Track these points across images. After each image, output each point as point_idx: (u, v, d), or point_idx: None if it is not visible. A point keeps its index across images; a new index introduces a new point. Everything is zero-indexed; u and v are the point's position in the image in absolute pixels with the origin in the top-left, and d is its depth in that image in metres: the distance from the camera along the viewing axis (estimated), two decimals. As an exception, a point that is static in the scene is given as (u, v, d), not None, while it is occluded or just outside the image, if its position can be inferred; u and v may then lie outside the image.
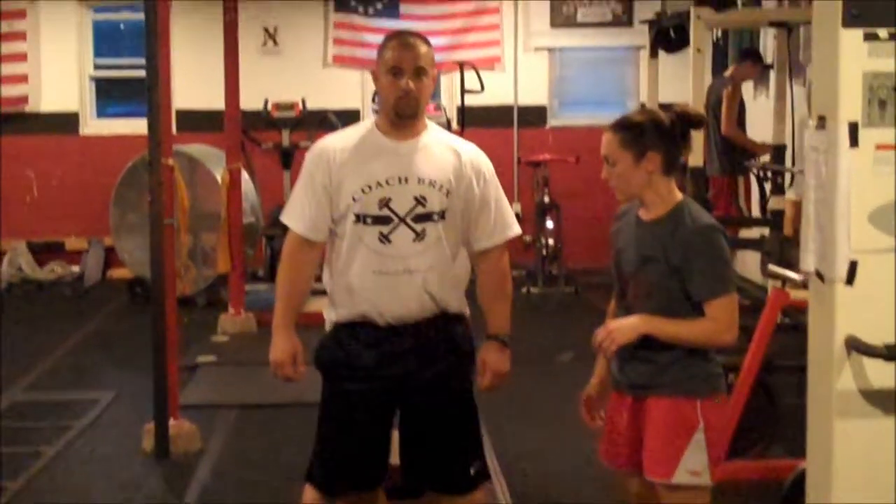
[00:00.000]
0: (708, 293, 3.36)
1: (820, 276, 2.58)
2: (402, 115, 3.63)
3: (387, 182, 3.60)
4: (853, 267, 2.52)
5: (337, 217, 3.65)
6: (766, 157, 8.83)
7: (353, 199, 3.59)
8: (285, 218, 3.75)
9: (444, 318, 3.72)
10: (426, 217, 3.61)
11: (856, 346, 2.54)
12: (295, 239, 3.72)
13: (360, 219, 3.60)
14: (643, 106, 10.32)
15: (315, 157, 3.71)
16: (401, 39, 3.65)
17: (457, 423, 3.80)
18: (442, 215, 3.63)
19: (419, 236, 3.61)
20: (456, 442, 3.81)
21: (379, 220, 3.60)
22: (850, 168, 2.48)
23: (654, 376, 3.49)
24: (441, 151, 3.70)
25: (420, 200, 3.61)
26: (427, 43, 3.68)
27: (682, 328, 3.41)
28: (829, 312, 2.56)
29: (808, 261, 2.61)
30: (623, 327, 3.45)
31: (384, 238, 3.59)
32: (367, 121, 3.82)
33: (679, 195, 3.50)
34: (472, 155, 3.76)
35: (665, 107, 3.63)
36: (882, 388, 2.60)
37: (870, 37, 2.49)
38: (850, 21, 2.48)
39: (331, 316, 3.77)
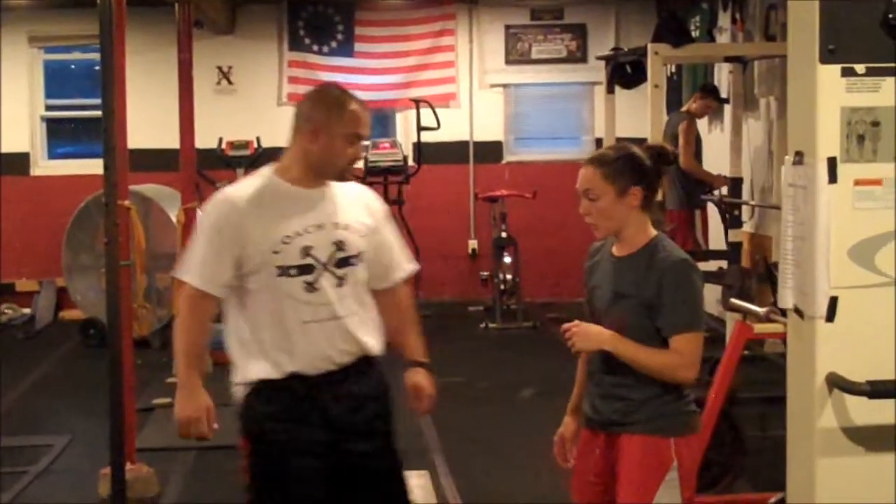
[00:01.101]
0: (675, 327, 3.33)
1: (799, 312, 2.55)
2: (345, 179, 3.67)
3: (305, 231, 3.53)
4: (833, 303, 2.50)
5: (248, 271, 3.52)
6: (724, 189, 8.89)
7: (275, 252, 3.49)
8: (183, 273, 3.57)
9: (367, 361, 3.66)
10: (346, 261, 3.57)
11: (837, 384, 2.52)
12: (194, 294, 3.54)
13: (284, 271, 3.50)
14: (598, 142, 10.38)
15: (219, 210, 3.58)
16: (360, 106, 3.61)
17: (388, 466, 3.75)
18: (359, 258, 3.61)
19: (341, 281, 3.56)
20: (389, 486, 3.75)
21: (303, 270, 3.51)
22: (830, 203, 2.46)
23: (627, 413, 3.44)
24: (348, 196, 3.69)
25: (339, 245, 3.57)
26: None
27: (644, 354, 3.36)
28: (809, 349, 2.53)
29: (787, 297, 2.58)
30: (589, 334, 3.40)
31: (310, 287, 3.51)
32: (264, 170, 3.66)
33: (653, 231, 3.48)
34: (372, 198, 3.80)
35: (629, 143, 3.61)
36: (864, 426, 2.57)
37: (847, 72, 2.48)
38: (827, 57, 2.47)
39: (248, 375, 3.58)
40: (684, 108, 9.13)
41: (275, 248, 3.49)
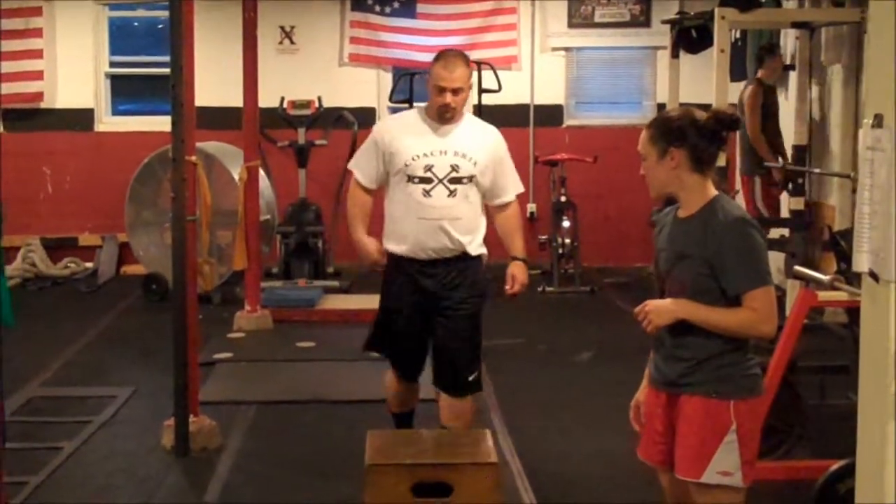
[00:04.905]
0: (746, 285, 3.37)
1: (874, 276, 2.54)
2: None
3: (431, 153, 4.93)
4: (910, 267, 2.48)
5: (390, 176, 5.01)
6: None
7: (406, 165, 4.92)
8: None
9: (465, 257, 4.99)
10: (458, 180, 4.90)
11: (911, 348, 2.50)
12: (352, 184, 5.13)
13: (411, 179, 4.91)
14: (660, 107, 10.32)
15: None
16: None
17: (464, 338, 5.01)
18: (471, 180, 4.93)
19: (451, 193, 4.90)
20: (460, 353, 5.01)
21: (423, 181, 4.90)
22: (909, 167, 2.44)
23: (687, 374, 3.49)
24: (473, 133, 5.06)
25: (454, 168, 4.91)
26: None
27: (720, 315, 3.40)
28: (883, 313, 2.51)
29: (862, 261, 2.57)
30: (661, 309, 3.47)
31: (426, 193, 4.90)
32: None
33: (713, 192, 3.50)
34: (493, 137, 5.15)
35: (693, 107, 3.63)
36: (938, 391, 2.55)
37: (929, 33, 2.44)
38: (908, 17, 2.44)
39: (387, 246, 5.04)
40: (759, 75, 9.02)
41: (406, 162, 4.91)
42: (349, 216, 5.14)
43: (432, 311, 5.00)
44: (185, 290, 5.70)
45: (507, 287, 5.07)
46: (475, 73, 10.31)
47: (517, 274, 5.07)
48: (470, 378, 5.03)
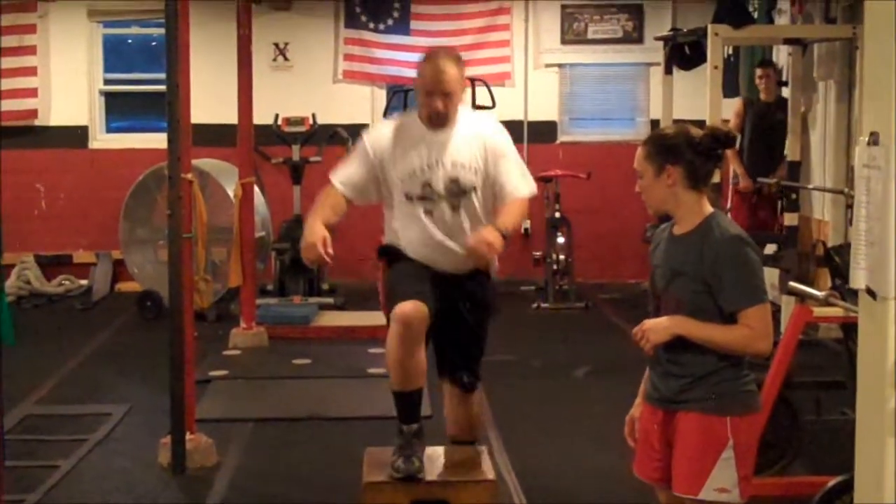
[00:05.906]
0: (741, 302, 3.38)
1: (871, 293, 2.56)
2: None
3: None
4: (907, 284, 2.50)
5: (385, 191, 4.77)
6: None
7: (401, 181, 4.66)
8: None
9: (477, 273, 4.73)
10: (460, 193, 4.61)
11: (909, 364, 2.52)
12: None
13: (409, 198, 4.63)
14: (654, 123, 10.36)
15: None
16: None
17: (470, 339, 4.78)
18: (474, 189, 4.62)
19: (455, 210, 4.60)
20: (472, 348, 4.81)
21: (422, 198, 4.61)
22: (906, 184, 2.46)
23: (684, 391, 3.49)
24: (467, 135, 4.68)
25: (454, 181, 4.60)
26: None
27: (716, 332, 3.41)
28: (881, 330, 2.54)
29: (859, 278, 2.59)
30: (657, 327, 3.48)
31: (428, 212, 4.62)
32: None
33: (709, 209, 3.52)
34: (490, 132, 4.75)
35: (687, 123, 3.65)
36: (936, 407, 2.57)
37: (925, 50, 2.47)
38: (904, 35, 2.46)
39: (391, 240, 4.79)
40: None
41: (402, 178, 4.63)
42: (315, 203, 4.75)
43: (444, 294, 4.60)
44: (182, 307, 5.70)
45: (470, 240, 4.47)
46: (468, 91, 10.41)
47: (486, 233, 4.43)
48: (476, 374, 4.84)
